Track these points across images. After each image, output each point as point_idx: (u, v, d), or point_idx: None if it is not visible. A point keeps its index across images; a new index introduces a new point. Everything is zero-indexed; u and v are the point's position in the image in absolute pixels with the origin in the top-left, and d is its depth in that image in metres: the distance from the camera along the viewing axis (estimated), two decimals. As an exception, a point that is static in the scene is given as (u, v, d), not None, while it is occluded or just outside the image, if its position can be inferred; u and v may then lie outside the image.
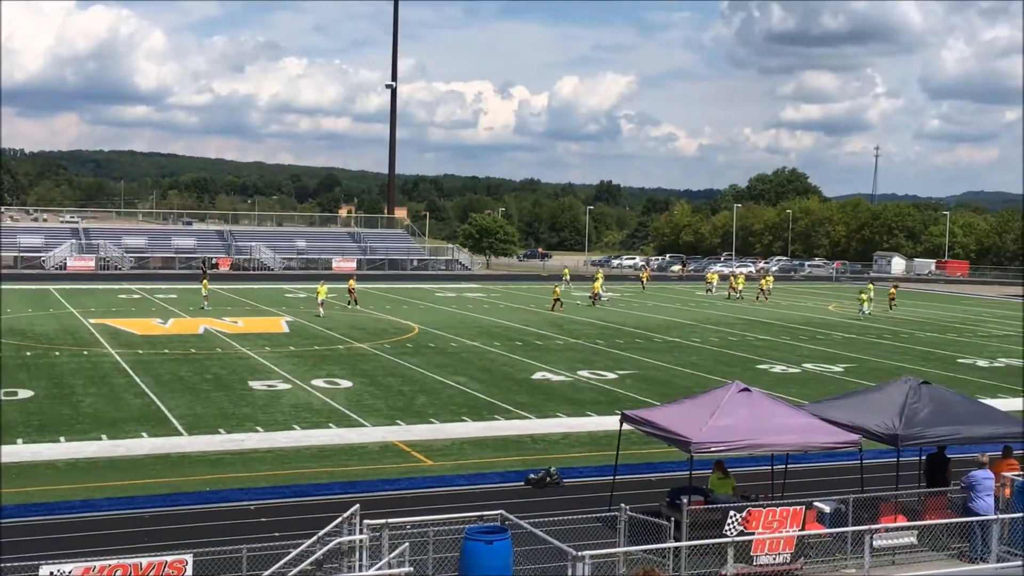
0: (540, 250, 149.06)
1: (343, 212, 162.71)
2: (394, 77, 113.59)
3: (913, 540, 16.33)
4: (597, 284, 64.81)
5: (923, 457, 19.21)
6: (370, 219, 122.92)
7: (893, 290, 67.59)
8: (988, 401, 24.53)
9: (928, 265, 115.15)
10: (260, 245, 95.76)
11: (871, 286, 67.32)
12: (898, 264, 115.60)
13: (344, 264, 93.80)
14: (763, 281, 75.00)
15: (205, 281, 59.94)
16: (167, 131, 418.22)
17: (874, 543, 14.95)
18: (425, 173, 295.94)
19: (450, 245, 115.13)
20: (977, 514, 16.05)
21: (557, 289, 61.95)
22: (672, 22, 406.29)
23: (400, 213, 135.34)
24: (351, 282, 60.88)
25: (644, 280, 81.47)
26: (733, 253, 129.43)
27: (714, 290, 75.15)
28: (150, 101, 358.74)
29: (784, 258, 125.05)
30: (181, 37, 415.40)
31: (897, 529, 16.33)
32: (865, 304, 59.96)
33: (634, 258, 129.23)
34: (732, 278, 77.35)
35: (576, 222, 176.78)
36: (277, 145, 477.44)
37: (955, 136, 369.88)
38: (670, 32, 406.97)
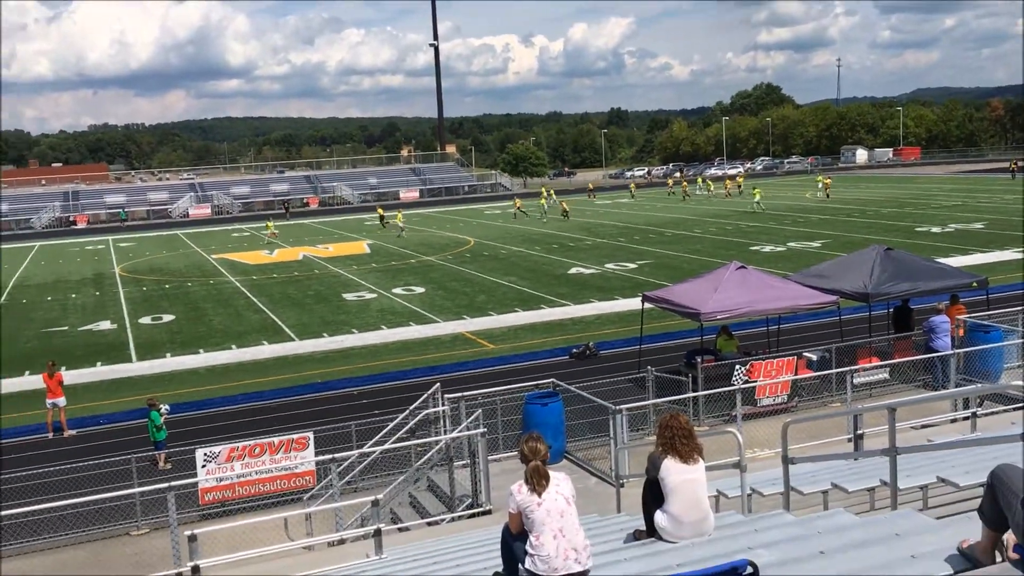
0: (566, 169, 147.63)
1: (404, 152, 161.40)
2: (435, 37, 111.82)
3: (886, 376, 16.33)
4: (543, 200, 63.04)
5: (890, 310, 19.12)
6: (426, 156, 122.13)
7: (828, 180, 64.88)
8: (942, 260, 24.23)
9: (886, 153, 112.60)
10: (340, 184, 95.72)
11: (820, 176, 66.58)
12: (861, 155, 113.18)
13: (409, 194, 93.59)
14: (728, 181, 73.03)
15: (269, 222, 59.17)
16: (256, 98, 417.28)
17: (854, 380, 14.98)
18: (467, 114, 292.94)
19: (493, 171, 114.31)
20: (937, 351, 15.98)
21: (561, 204, 61.12)
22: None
23: (450, 149, 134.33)
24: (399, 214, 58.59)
25: (633, 190, 79.21)
26: (724, 158, 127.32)
27: (701, 191, 72.50)
28: (240, 75, 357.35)
29: (767, 158, 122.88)
30: (260, 19, 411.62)
31: (872, 368, 16.33)
32: (819, 190, 59.44)
33: (644, 169, 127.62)
34: (684, 182, 75.16)
35: (594, 144, 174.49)
36: (346, 102, 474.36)
37: (903, 43, 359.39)
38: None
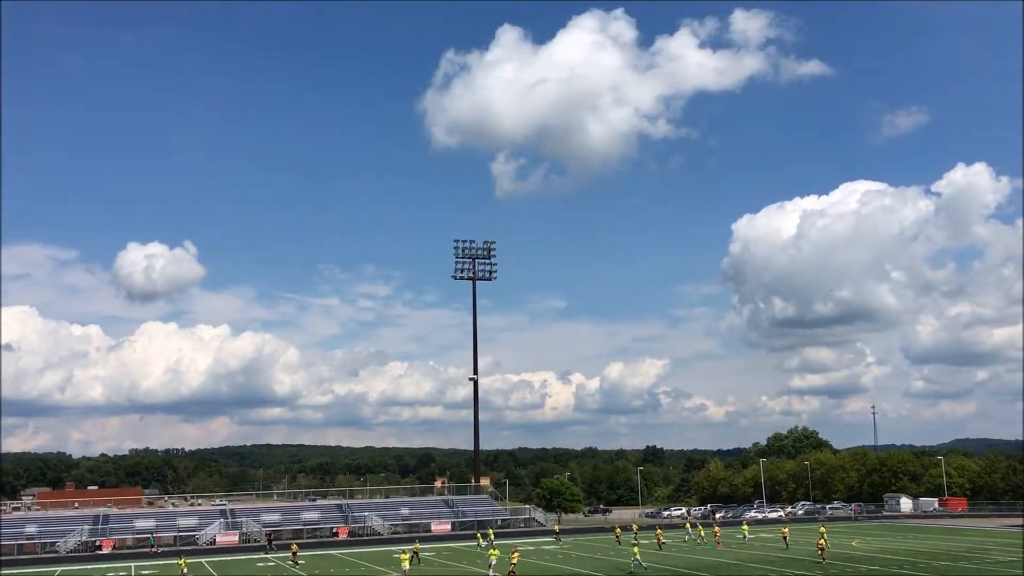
0: (601, 506, 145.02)
1: (438, 483, 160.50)
2: (475, 372, 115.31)
3: None
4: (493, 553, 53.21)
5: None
6: (460, 487, 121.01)
7: (822, 541, 52.87)
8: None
9: (932, 503, 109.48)
10: (372, 514, 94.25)
11: (822, 527, 63.62)
12: (906, 503, 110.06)
13: (440, 527, 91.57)
14: (716, 528, 68.41)
15: (182, 559, 54.05)
16: (297, 426, 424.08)
17: None
18: (503, 447, 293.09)
19: (527, 506, 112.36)
20: None
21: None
22: (694, 316, 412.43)
23: (484, 482, 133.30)
24: (416, 545, 55.95)
25: (618, 534, 70.00)
26: (764, 501, 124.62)
27: (691, 538, 67.91)
28: (284, 403, 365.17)
29: (807, 503, 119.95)
30: (310, 352, 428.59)
31: None
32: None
33: (681, 509, 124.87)
34: (659, 528, 67.81)
35: (630, 481, 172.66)
36: (384, 432, 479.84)
37: (938, 394, 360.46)
38: (692, 324, 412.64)
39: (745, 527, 72.66)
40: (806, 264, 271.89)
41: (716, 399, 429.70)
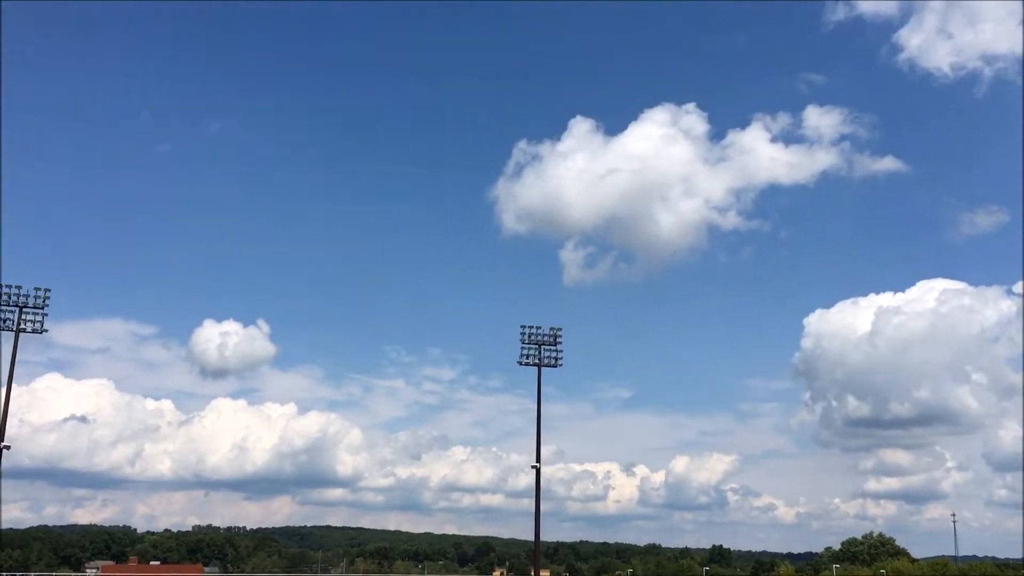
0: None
1: (496, 574, 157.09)
2: (538, 460, 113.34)
3: None
4: None
5: None
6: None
7: None
8: None
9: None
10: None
11: None
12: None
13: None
14: None
15: None
16: (358, 508, 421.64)
17: None
18: (564, 539, 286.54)
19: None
20: None
21: None
22: (763, 411, 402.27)
23: (544, 574, 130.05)
24: None
25: None
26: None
27: None
28: (346, 484, 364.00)
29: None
30: (373, 434, 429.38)
31: None
32: None
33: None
34: None
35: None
36: (444, 518, 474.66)
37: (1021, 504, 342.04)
38: (762, 419, 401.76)
39: None
40: (881, 362, 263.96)
41: (786, 499, 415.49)
